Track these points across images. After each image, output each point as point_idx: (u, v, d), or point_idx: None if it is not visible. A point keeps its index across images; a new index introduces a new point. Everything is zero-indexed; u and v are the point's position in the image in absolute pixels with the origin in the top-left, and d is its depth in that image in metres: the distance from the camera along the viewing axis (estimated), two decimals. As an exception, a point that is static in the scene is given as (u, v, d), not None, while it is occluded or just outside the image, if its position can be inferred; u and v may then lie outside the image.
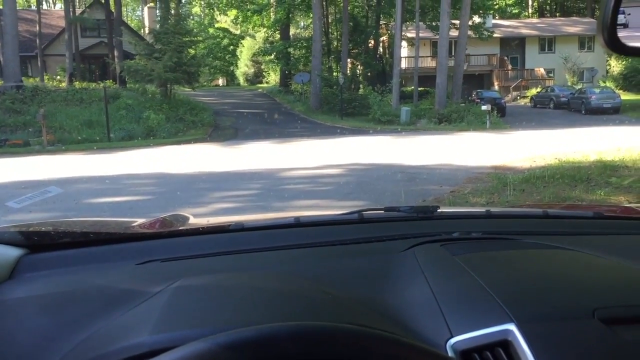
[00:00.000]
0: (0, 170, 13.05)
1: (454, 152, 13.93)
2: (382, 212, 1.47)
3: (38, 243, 1.16)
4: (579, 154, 11.50)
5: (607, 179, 8.60)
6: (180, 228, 1.40)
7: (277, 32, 39.22)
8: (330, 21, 37.06)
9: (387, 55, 38.35)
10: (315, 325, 0.55)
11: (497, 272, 1.01)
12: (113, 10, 31.10)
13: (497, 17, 43.28)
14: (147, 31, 31.70)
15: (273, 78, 50.63)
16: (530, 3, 52.93)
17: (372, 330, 0.55)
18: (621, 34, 0.84)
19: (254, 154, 15.27)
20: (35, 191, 9.32)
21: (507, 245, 1.21)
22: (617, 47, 0.82)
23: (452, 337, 0.80)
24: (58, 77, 28.69)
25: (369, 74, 37.49)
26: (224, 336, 0.52)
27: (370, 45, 38.04)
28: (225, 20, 54.00)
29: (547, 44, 40.04)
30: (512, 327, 0.78)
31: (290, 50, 36.70)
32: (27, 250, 1.10)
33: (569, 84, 35.03)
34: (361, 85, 35.84)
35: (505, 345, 0.77)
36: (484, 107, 23.01)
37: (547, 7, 53.01)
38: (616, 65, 38.37)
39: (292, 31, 40.93)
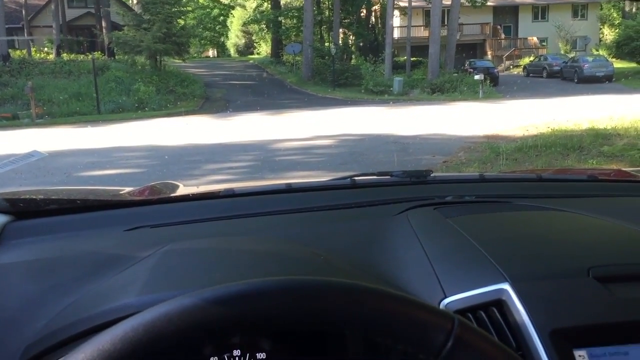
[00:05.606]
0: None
1: (446, 122, 13.89)
2: (374, 177, 1.45)
3: (24, 210, 1.13)
4: (571, 123, 11.49)
5: (599, 148, 8.62)
6: (170, 195, 1.38)
7: (268, 1, 38.65)
8: (321, -10, 36.54)
9: (379, 25, 37.89)
10: (307, 280, 0.53)
11: (490, 234, 1.00)
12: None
13: (490, -15, 42.79)
14: (135, 1, 31.09)
15: (264, 49, 50.06)
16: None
17: (366, 285, 0.54)
18: None
19: (245, 126, 15.15)
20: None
21: (501, 207, 1.20)
22: None
23: (445, 297, 0.79)
24: (45, 48, 28.14)
25: (361, 44, 37.12)
26: (210, 291, 0.50)
27: (362, 15, 37.58)
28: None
29: (540, 12, 39.63)
30: (506, 286, 0.76)
31: (281, 19, 36.22)
32: (12, 217, 1.07)
33: (562, 52, 34.82)
34: (353, 56, 35.51)
35: (499, 305, 0.76)
36: (476, 77, 22.91)
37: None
38: (609, 34, 38.15)
39: (283, 0, 40.33)
